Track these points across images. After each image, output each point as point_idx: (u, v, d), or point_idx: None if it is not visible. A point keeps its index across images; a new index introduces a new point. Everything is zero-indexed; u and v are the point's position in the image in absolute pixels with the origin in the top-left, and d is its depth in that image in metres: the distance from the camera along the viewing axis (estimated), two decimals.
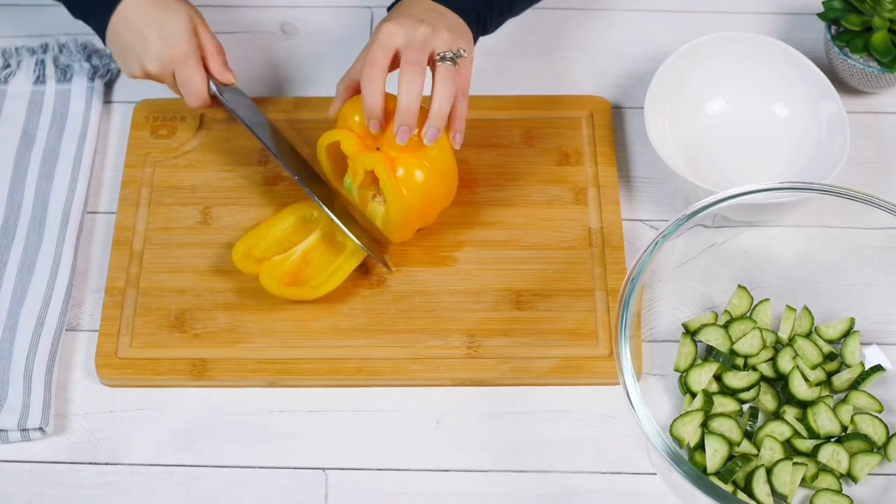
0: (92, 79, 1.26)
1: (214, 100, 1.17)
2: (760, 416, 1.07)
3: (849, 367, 1.09)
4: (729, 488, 1.02)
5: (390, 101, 1.08)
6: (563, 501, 1.04)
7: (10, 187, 1.19)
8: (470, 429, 1.07)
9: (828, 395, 1.07)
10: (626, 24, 1.33)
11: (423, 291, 1.13)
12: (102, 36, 1.14)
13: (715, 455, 1.02)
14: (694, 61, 1.21)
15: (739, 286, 1.12)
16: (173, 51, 1.12)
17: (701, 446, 1.04)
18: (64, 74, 1.26)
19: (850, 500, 1.01)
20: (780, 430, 1.05)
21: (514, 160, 1.21)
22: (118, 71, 1.29)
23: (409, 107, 1.05)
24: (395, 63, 1.07)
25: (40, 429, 1.06)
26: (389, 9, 1.13)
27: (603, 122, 1.23)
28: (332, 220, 1.12)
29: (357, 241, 1.11)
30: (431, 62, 1.07)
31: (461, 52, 1.08)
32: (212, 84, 1.16)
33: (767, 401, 1.07)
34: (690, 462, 1.01)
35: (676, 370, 1.09)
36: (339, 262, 1.12)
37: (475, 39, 1.12)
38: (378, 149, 1.09)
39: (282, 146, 1.17)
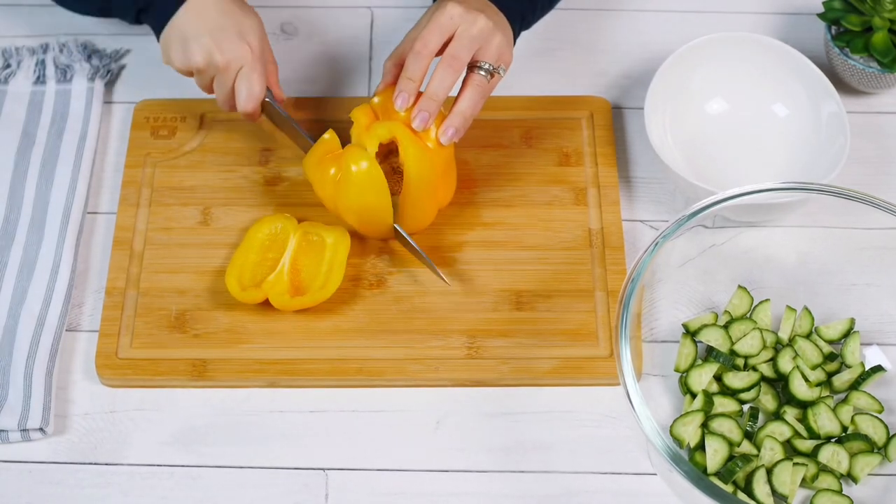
0: (92, 79, 1.26)
1: (261, 108, 1.15)
2: (761, 417, 1.07)
3: (849, 367, 1.09)
4: (729, 488, 1.02)
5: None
6: (563, 501, 1.04)
7: (10, 187, 1.18)
8: (470, 429, 1.07)
9: (828, 396, 1.07)
10: (626, 24, 1.33)
11: (424, 292, 1.13)
12: (165, 19, 1.11)
13: (715, 455, 1.02)
14: (694, 61, 1.21)
15: (739, 286, 1.12)
16: (247, 48, 1.10)
17: (701, 446, 1.04)
18: (64, 74, 1.26)
19: (851, 500, 1.01)
20: (780, 430, 1.05)
21: (514, 160, 1.21)
22: (118, 71, 1.29)
23: (436, 96, 1.06)
24: (444, 46, 1.07)
25: (40, 429, 1.06)
26: None
27: (603, 122, 1.23)
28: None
29: (417, 249, 1.12)
30: (472, 62, 1.07)
31: (501, 69, 1.09)
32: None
33: (768, 401, 1.07)
34: (690, 462, 1.01)
35: (676, 370, 1.09)
36: (329, 256, 1.12)
37: (515, 38, 1.13)
38: None
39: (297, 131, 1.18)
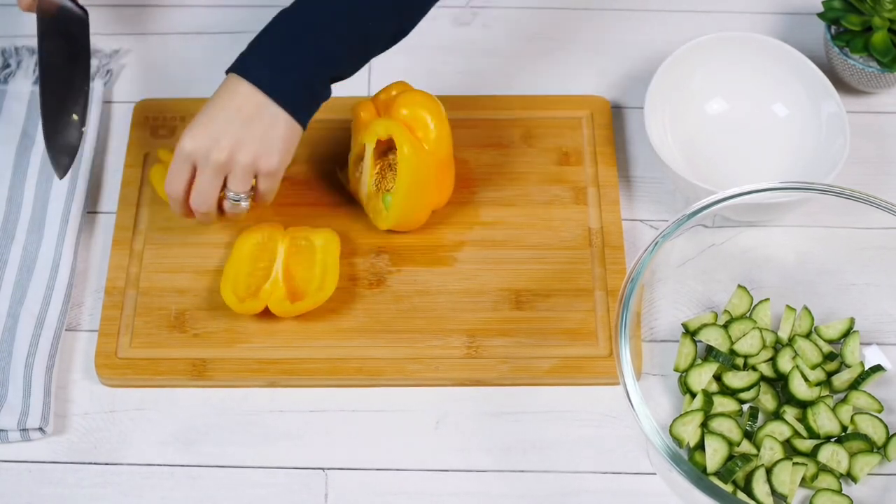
0: (92, 79, 1.26)
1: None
2: (760, 416, 1.07)
3: (849, 367, 1.09)
4: (729, 488, 1.02)
5: None
6: (563, 501, 1.04)
7: (10, 187, 1.18)
8: (470, 429, 1.07)
9: (828, 395, 1.07)
10: (626, 24, 1.33)
11: (424, 291, 1.13)
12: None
13: (715, 455, 1.02)
14: (694, 61, 1.21)
15: (739, 286, 1.12)
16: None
17: (701, 446, 1.04)
18: None
19: (850, 500, 1.01)
20: (780, 430, 1.05)
21: (514, 160, 1.21)
22: (118, 71, 1.29)
23: (201, 207, 1.06)
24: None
25: (40, 429, 1.06)
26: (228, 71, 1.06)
27: (603, 122, 1.23)
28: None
29: None
30: (222, 194, 1.06)
31: (244, 199, 1.06)
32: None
33: (767, 401, 1.07)
34: (690, 462, 1.01)
35: (676, 370, 1.09)
36: (320, 258, 1.12)
37: (315, 107, 1.07)
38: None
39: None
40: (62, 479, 1.05)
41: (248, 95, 1.03)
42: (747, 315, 1.12)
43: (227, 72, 1.05)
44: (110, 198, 1.20)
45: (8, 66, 1.27)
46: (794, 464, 1.02)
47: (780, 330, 1.11)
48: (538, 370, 1.08)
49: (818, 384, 1.07)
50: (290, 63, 1.04)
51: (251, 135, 1.03)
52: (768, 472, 1.02)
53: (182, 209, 1.08)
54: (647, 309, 1.09)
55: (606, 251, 1.15)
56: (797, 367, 1.07)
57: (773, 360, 1.08)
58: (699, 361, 1.09)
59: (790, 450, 1.05)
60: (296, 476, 1.05)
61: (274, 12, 1.34)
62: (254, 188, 1.07)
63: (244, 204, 1.07)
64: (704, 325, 1.09)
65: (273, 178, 1.06)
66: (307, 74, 1.04)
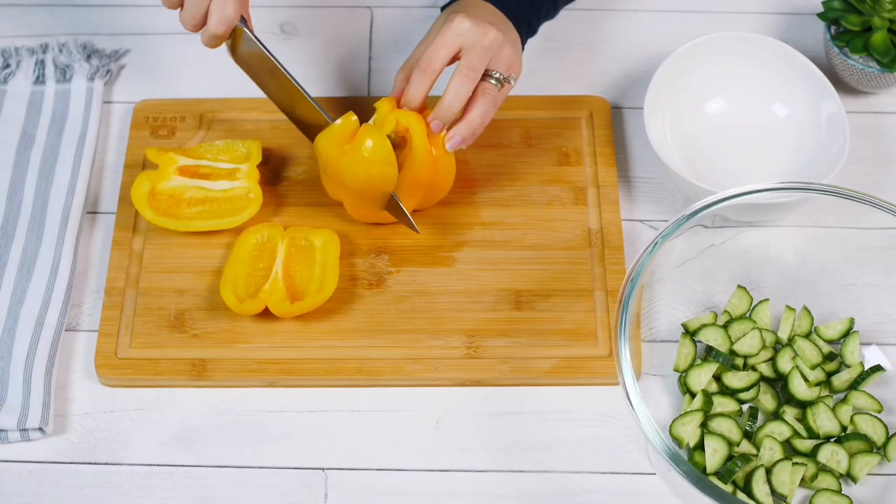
0: (92, 79, 1.26)
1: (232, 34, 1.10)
2: (760, 416, 1.07)
3: (848, 367, 1.09)
4: (728, 488, 1.02)
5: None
6: (562, 501, 1.04)
7: (10, 187, 1.19)
8: (470, 429, 1.07)
9: (827, 396, 1.07)
10: (626, 24, 1.33)
11: (423, 291, 1.13)
12: None
13: (714, 455, 1.02)
14: (694, 61, 1.21)
15: (739, 286, 1.12)
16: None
17: (700, 446, 1.04)
18: (64, 74, 1.26)
19: (850, 500, 1.01)
20: (779, 430, 1.05)
21: (513, 160, 1.21)
22: (118, 71, 1.29)
23: (451, 106, 1.08)
24: (454, 58, 1.09)
25: (40, 429, 1.06)
26: (444, 8, 1.14)
27: (603, 122, 1.23)
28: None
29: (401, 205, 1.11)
30: (483, 73, 1.08)
31: (511, 78, 1.10)
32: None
33: (767, 401, 1.07)
34: (690, 462, 1.01)
35: (676, 370, 1.09)
36: (320, 258, 1.12)
37: (523, 46, 1.15)
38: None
39: (304, 97, 1.14)
40: (62, 479, 1.05)
41: (499, 13, 1.11)
42: (747, 315, 1.12)
43: (445, 6, 1.14)
44: (110, 198, 1.20)
45: (8, 66, 1.27)
46: (794, 464, 1.02)
47: (780, 330, 1.11)
48: (538, 370, 1.08)
49: (818, 384, 1.07)
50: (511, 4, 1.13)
51: (512, 36, 1.11)
52: (768, 472, 1.02)
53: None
54: (647, 309, 1.09)
55: (606, 251, 1.15)
56: (797, 367, 1.07)
57: (772, 361, 1.08)
58: (699, 361, 1.09)
59: (790, 450, 1.05)
60: (296, 476, 1.05)
61: (274, 13, 1.35)
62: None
63: (499, 88, 1.09)
64: (704, 326, 1.09)
65: (514, 82, 1.11)
66: (526, 10, 1.14)
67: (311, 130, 1.15)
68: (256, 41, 1.09)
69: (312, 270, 1.12)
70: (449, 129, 1.10)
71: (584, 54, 1.30)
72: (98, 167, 1.22)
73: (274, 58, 1.11)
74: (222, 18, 1.05)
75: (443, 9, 1.15)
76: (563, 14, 1.32)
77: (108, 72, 1.27)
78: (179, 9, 1.06)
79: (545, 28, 1.30)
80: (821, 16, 1.24)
